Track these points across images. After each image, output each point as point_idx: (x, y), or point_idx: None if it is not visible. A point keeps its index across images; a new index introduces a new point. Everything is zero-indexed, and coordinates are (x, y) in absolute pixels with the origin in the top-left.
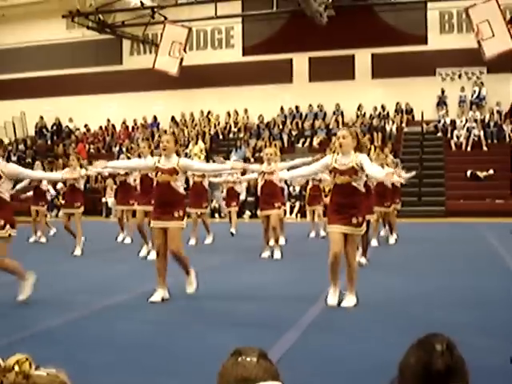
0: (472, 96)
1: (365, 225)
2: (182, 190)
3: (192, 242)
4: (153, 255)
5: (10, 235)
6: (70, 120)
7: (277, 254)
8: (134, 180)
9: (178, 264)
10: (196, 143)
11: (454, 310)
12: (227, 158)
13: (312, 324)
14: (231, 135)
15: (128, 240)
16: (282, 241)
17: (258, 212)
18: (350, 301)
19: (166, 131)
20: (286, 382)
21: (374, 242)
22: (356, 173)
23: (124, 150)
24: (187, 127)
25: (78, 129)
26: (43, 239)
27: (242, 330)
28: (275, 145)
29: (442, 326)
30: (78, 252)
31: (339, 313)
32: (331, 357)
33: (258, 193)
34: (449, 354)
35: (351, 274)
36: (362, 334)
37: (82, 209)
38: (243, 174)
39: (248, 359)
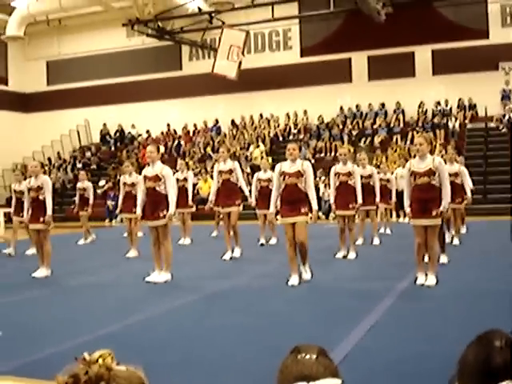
0: None
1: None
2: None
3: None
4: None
5: None
6: (133, 126)
7: (351, 255)
8: None
9: None
10: (257, 146)
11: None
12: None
13: (379, 321)
14: (291, 137)
15: (188, 241)
16: (359, 241)
17: (336, 212)
18: (431, 280)
19: (224, 138)
20: (350, 381)
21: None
22: (433, 174)
23: (184, 153)
24: (247, 130)
25: (140, 134)
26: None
27: (306, 328)
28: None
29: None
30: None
31: (407, 310)
32: (396, 356)
33: (333, 194)
34: (508, 349)
35: (433, 257)
36: (430, 331)
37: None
38: None
39: (307, 357)
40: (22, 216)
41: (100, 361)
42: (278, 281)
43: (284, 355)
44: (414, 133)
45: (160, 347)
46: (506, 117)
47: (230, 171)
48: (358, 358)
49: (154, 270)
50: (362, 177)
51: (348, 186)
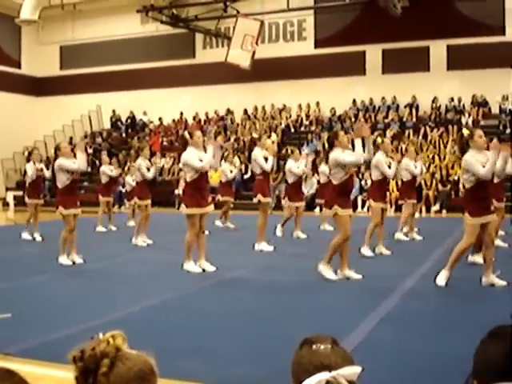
0: None
1: None
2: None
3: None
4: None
5: None
6: (144, 113)
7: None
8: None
9: None
10: (269, 137)
11: None
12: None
13: (388, 315)
14: (303, 128)
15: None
16: None
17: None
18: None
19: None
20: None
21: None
22: None
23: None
24: (259, 120)
25: (152, 122)
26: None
27: (316, 319)
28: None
29: None
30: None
31: (414, 305)
32: (407, 350)
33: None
34: None
35: (490, 254)
36: (437, 327)
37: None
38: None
39: (323, 347)
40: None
41: (110, 340)
42: (288, 273)
43: (294, 345)
44: (427, 128)
45: (171, 333)
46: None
47: None
48: (366, 350)
49: (190, 260)
50: None
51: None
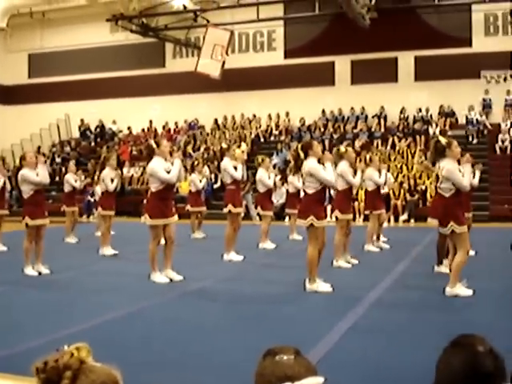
0: None
1: None
2: None
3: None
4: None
5: None
6: (114, 122)
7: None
8: None
9: None
10: (238, 146)
11: (494, 315)
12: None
13: (355, 325)
14: (272, 138)
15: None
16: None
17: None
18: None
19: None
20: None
21: None
22: None
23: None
24: (229, 130)
25: (121, 131)
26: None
27: (280, 331)
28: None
29: (481, 330)
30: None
31: (381, 315)
32: (373, 360)
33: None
34: (492, 353)
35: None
36: (402, 337)
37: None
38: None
39: (285, 357)
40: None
41: (75, 352)
42: (256, 283)
43: (260, 356)
44: (395, 138)
45: (136, 345)
46: (486, 125)
47: None
48: (333, 360)
49: (156, 271)
50: None
51: None
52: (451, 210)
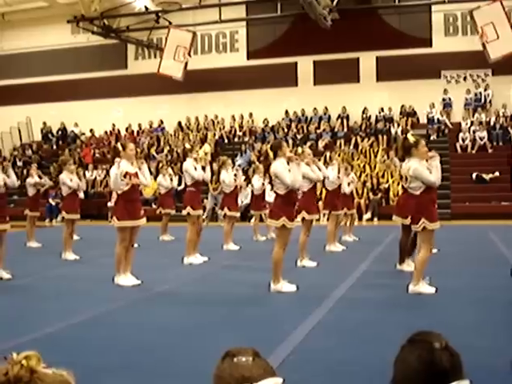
0: (477, 99)
1: None
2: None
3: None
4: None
5: None
6: (76, 125)
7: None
8: None
9: None
10: (201, 147)
11: (456, 311)
12: (232, 162)
13: (318, 324)
14: (236, 139)
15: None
16: None
17: None
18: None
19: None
20: (291, 382)
21: None
22: None
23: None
24: (192, 131)
25: (84, 133)
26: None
27: (245, 332)
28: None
29: (444, 327)
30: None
31: (344, 314)
32: (337, 359)
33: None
34: (448, 350)
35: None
36: (366, 334)
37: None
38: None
39: (244, 359)
40: None
41: (24, 362)
42: (219, 285)
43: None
44: (358, 138)
45: (99, 349)
46: (447, 124)
47: None
48: (297, 360)
49: (121, 274)
50: None
51: None
52: (424, 206)
